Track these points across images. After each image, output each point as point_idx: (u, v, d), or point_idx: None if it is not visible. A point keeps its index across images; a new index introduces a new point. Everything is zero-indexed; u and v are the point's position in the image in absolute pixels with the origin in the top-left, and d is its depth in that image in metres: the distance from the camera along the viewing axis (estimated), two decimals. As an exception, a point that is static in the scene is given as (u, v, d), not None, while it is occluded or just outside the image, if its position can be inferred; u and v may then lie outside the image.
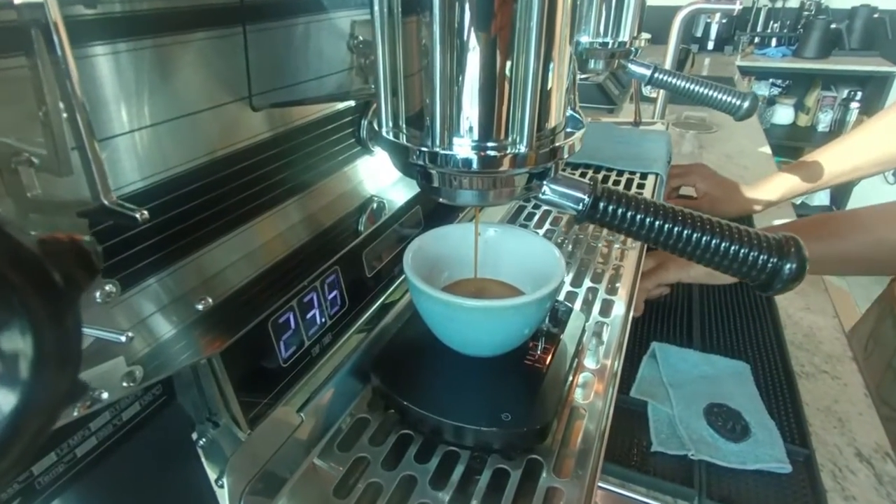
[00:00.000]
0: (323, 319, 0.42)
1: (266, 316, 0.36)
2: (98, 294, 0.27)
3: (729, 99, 0.65)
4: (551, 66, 0.29)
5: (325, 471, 0.33)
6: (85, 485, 0.30)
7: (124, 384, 0.30)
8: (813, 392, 0.63)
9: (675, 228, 0.33)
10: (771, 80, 3.03)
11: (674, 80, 0.68)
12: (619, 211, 0.33)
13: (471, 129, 0.29)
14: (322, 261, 0.42)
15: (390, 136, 0.31)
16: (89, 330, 0.26)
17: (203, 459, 0.36)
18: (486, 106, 0.28)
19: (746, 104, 0.65)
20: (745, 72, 2.77)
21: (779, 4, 2.93)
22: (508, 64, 0.27)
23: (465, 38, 0.26)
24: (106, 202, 0.19)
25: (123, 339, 0.26)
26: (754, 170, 1.29)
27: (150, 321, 0.32)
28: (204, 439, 0.35)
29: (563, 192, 0.34)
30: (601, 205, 0.33)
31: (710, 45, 2.96)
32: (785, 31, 2.91)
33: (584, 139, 0.34)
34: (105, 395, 0.29)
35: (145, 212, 0.20)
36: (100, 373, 0.29)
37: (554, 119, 0.31)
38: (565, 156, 0.32)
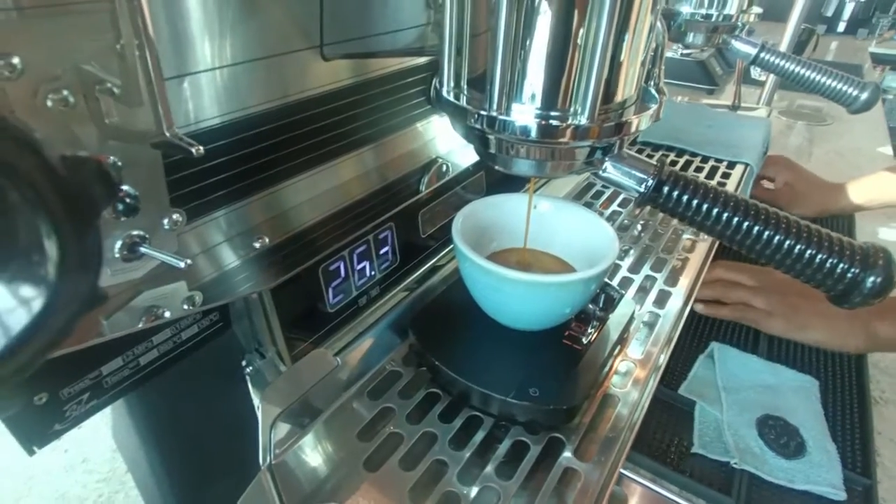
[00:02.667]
0: (373, 272, 0.43)
1: (317, 261, 0.38)
2: (166, 221, 0.30)
3: (844, 87, 0.58)
4: (626, 35, 0.27)
5: (353, 414, 0.35)
6: (144, 391, 0.34)
7: (185, 306, 0.33)
8: (889, 421, 0.57)
9: (746, 223, 0.30)
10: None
11: (782, 63, 0.62)
12: (685, 198, 0.31)
13: (532, 95, 0.28)
14: (378, 215, 0.43)
15: (451, 97, 0.31)
16: (153, 252, 0.28)
17: (249, 385, 0.39)
18: (549, 72, 0.27)
19: (864, 95, 0.57)
20: (879, 60, 2.44)
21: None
22: (577, 29, 0.25)
23: (535, -2, 0.25)
24: (168, 134, 0.21)
25: (182, 264, 0.28)
26: (869, 172, 1.15)
27: (212, 252, 0.35)
28: (251, 367, 0.38)
29: (626, 171, 0.32)
30: (665, 189, 0.31)
31: (842, 27, 2.63)
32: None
33: (670, 119, 0.32)
34: (167, 314, 0.32)
35: (201, 147, 0.21)
36: (164, 293, 0.32)
37: (624, 92, 0.29)
38: (632, 132, 0.30)
